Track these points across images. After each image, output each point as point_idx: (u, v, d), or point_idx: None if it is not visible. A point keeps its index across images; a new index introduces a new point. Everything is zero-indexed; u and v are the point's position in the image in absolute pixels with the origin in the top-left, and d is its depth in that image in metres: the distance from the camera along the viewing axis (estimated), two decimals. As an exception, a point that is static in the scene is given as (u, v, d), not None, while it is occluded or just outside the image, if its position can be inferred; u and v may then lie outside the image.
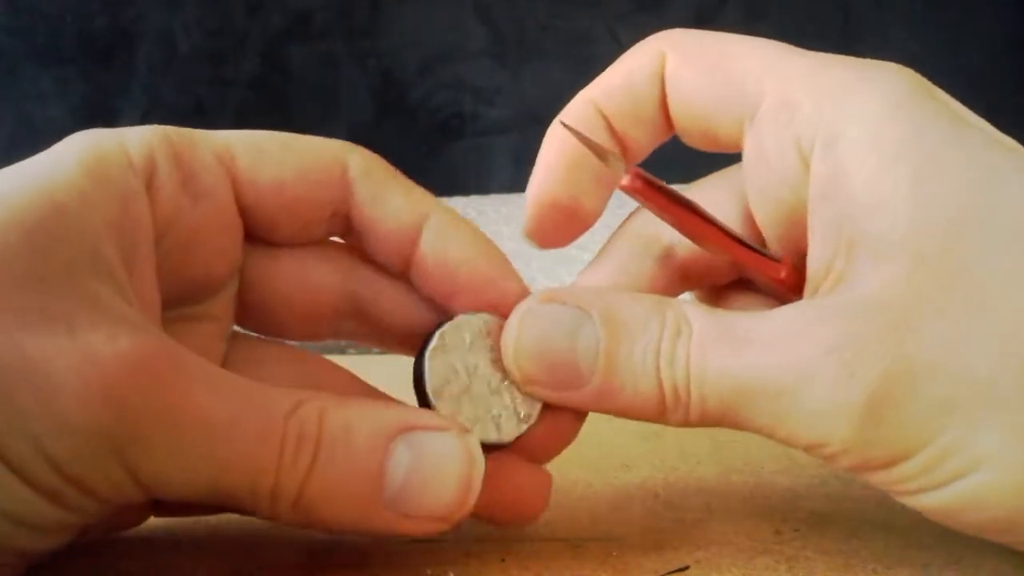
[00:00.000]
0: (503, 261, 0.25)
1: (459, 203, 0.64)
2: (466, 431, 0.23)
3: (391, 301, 0.26)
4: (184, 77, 0.66)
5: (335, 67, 0.65)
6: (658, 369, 0.22)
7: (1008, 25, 0.59)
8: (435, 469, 0.22)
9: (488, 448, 0.23)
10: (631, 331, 0.22)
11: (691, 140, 0.25)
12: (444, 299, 0.25)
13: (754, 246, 0.24)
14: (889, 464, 0.20)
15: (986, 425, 0.19)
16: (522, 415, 0.24)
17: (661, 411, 0.22)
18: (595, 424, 0.35)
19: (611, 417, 0.36)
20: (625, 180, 0.23)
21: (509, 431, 0.24)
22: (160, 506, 0.26)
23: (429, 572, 0.24)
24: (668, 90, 0.25)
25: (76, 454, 0.19)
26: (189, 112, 0.66)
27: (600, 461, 0.31)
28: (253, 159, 0.24)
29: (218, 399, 0.20)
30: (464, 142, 0.64)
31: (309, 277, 0.26)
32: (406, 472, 0.21)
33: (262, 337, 0.27)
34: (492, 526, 0.25)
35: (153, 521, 0.27)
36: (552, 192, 0.25)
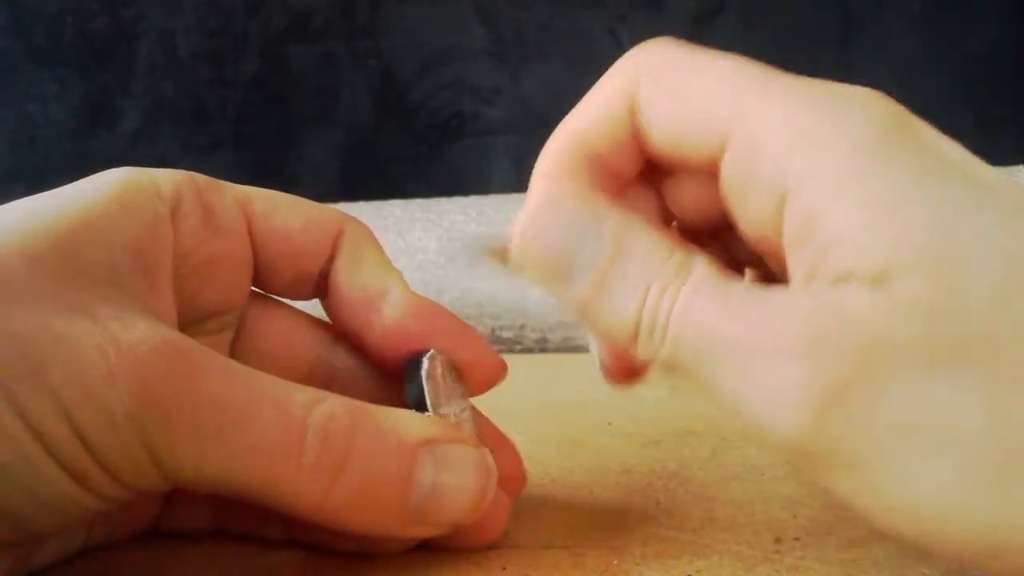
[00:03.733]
0: (463, 329, 0.27)
1: (459, 203, 0.64)
2: (479, 444, 0.24)
3: (361, 377, 0.27)
4: (184, 77, 0.66)
5: (335, 67, 0.65)
6: (644, 298, 0.22)
7: (1007, 25, 0.59)
8: (457, 480, 0.23)
9: None
10: (634, 254, 0.22)
11: (666, 164, 0.25)
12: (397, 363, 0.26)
13: None
14: (834, 469, 0.20)
15: (945, 460, 0.19)
16: None
17: (633, 339, 0.22)
18: (596, 430, 0.36)
19: (611, 422, 0.36)
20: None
21: None
22: (170, 518, 0.26)
23: (430, 579, 0.24)
24: (641, 121, 0.24)
25: (103, 432, 0.20)
26: (189, 112, 0.66)
27: (601, 467, 0.31)
28: (268, 207, 0.26)
29: (232, 388, 0.21)
30: (464, 142, 0.64)
31: (297, 338, 0.28)
32: (431, 483, 0.23)
33: None
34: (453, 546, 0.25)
35: (155, 528, 0.27)
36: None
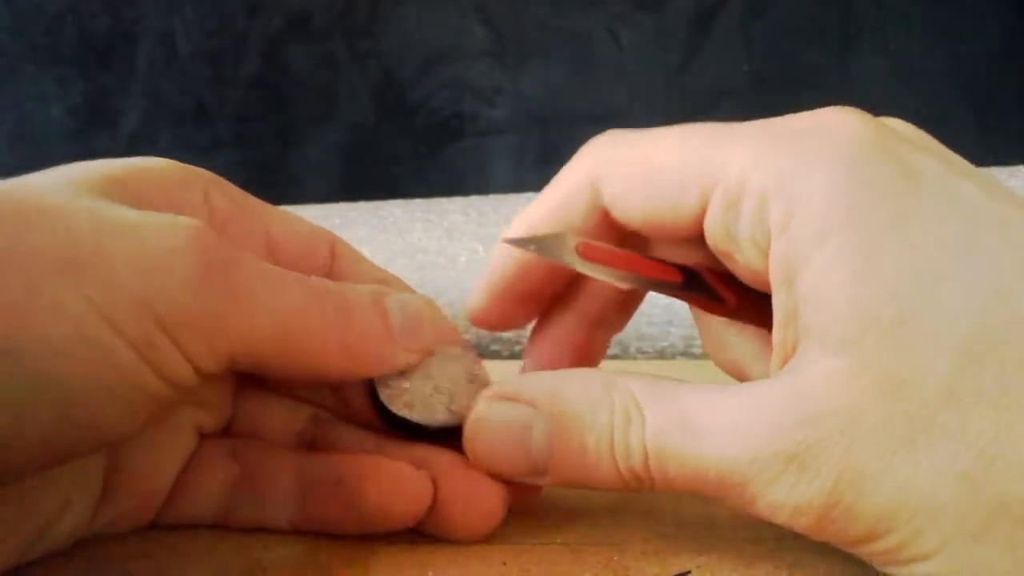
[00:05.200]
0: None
1: (459, 203, 0.64)
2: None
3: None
4: (184, 77, 0.66)
5: (335, 67, 0.65)
6: (614, 458, 0.23)
7: (1007, 25, 0.59)
8: (416, 311, 0.25)
9: (413, 430, 0.26)
10: (580, 424, 0.23)
11: (647, 237, 0.27)
12: None
13: (698, 291, 0.26)
14: (852, 546, 0.21)
15: (929, 530, 0.20)
16: (453, 410, 0.26)
17: (625, 489, 0.23)
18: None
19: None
20: (573, 258, 0.25)
21: (437, 420, 0.26)
22: (172, 510, 0.26)
23: (431, 573, 0.24)
24: (612, 212, 0.25)
25: (170, 295, 0.21)
26: (189, 112, 0.66)
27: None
28: (283, 218, 0.28)
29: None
30: (464, 142, 0.64)
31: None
32: (400, 308, 0.25)
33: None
34: (447, 538, 0.26)
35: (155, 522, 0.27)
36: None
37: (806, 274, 0.21)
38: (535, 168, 0.62)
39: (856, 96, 0.62)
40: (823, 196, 0.21)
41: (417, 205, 0.65)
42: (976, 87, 0.58)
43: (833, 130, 0.22)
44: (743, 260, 0.23)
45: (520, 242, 0.25)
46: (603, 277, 0.25)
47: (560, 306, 0.28)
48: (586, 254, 0.25)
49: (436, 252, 0.64)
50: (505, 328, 0.28)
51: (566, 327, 0.28)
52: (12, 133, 0.67)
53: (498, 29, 0.63)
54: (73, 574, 0.24)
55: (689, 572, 0.24)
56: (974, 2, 0.59)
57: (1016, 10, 0.59)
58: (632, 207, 0.25)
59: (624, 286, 0.25)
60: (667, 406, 0.22)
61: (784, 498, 0.21)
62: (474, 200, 0.64)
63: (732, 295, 0.25)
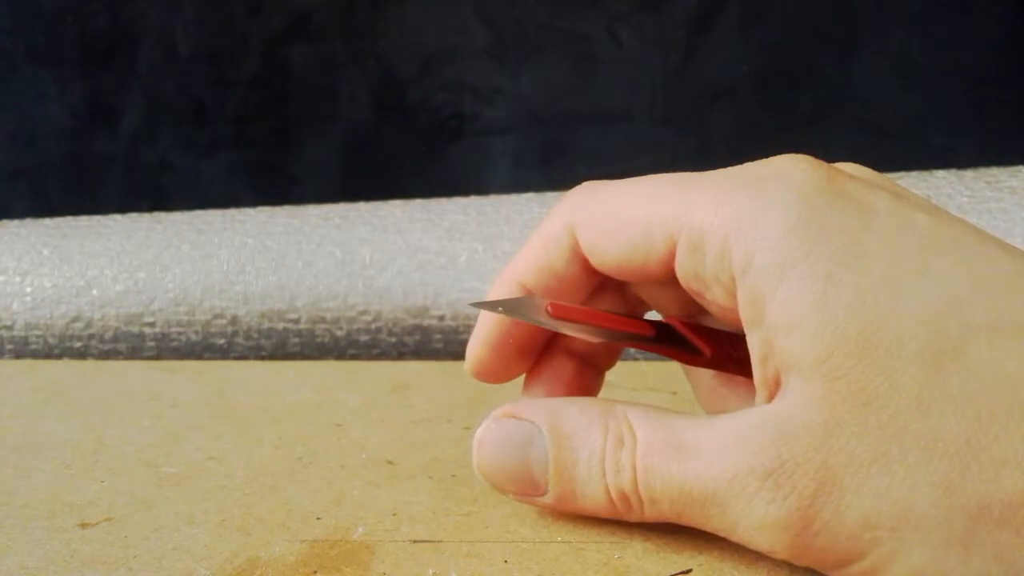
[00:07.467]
0: None
1: (459, 203, 0.64)
2: None
3: None
4: (184, 77, 0.66)
5: (335, 67, 0.65)
6: (604, 477, 0.24)
7: (1007, 25, 0.59)
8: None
9: None
10: (575, 442, 0.24)
11: (626, 279, 0.27)
12: None
13: (673, 343, 0.26)
14: (834, 568, 0.21)
15: (911, 541, 0.20)
16: None
17: (615, 513, 0.24)
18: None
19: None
20: (545, 318, 0.25)
21: None
22: None
23: (432, 572, 0.24)
24: (589, 259, 0.26)
25: None
26: (189, 112, 0.66)
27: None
28: None
29: None
30: (464, 142, 0.64)
31: None
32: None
33: None
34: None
35: (155, 517, 0.27)
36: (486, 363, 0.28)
37: (773, 307, 0.22)
38: (535, 168, 0.62)
39: (856, 96, 0.62)
40: (781, 231, 0.22)
41: (417, 205, 0.65)
42: (976, 87, 0.58)
43: (788, 174, 0.23)
44: (712, 299, 0.24)
45: (489, 305, 0.26)
46: (575, 334, 0.26)
47: (551, 347, 0.29)
48: (556, 314, 0.25)
49: (436, 252, 0.64)
50: (508, 379, 0.29)
51: (557, 366, 0.29)
52: (12, 133, 0.67)
53: (498, 29, 0.63)
54: (77, 566, 0.24)
55: (690, 571, 0.24)
56: (974, 2, 0.59)
57: (1016, 10, 0.59)
58: (607, 255, 0.26)
59: (596, 341, 0.26)
60: (659, 430, 0.23)
61: (763, 516, 0.21)
62: (474, 200, 0.64)
63: (708, 346, 0.26)
